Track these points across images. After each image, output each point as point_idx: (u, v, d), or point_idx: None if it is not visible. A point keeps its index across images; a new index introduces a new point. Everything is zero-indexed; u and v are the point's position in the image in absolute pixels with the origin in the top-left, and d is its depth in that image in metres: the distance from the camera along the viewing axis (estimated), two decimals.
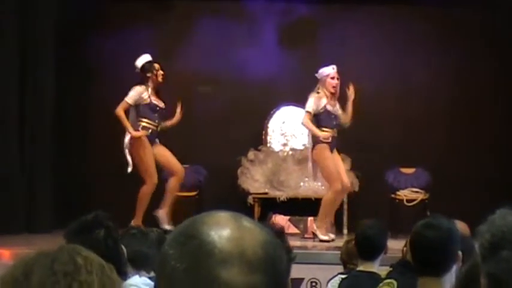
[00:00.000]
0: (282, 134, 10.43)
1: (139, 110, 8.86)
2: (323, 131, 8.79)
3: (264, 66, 10.48)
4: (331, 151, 8.85)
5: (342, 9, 10.60)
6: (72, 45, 10.40)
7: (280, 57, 10.49)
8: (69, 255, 1.46)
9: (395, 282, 3.94)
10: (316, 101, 8.79)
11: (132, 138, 8.76)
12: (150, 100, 8.84)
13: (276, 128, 10.45)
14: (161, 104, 8.93)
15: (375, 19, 10.53)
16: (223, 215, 1.29)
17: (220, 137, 10.25)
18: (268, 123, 10.43)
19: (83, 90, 10.50)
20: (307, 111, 8.80)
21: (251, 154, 10.17)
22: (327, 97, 8.83)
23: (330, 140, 8.81)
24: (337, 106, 8.95)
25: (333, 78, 8.82)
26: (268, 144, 10.40)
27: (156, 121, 8.91)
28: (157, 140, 9.00)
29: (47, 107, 9.97)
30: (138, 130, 8.82)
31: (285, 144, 10.38)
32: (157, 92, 8.95)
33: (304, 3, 10.61)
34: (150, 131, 8.86)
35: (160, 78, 8.87)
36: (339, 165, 8.92)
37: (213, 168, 9.94)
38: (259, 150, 10.26)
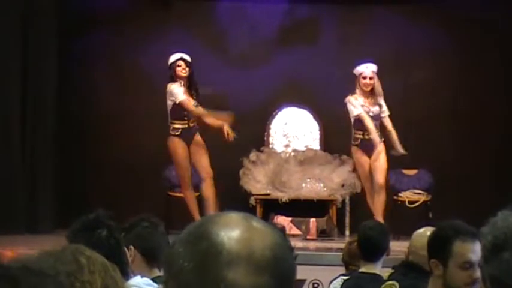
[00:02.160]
0: (284, 135, 10.42)
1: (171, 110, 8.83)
2: (356, 133, 8.78)
3: (266, 67, 10.48)
4: (367, 153, 8.79)
5: (343, 9, 10.59)
6: (74, 42, 10.40)
7: (283, 57, 10.49)
8: (72, 255, 1.47)
9: (397, 284, 3.95)
10: (353, 103, 8.71)
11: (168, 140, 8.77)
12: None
13: (278, 129, 10.45)
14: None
15: (377, 19, 10.51)
16: (234, 216, 1.29)
17: (222, 138, 10.24)
18: (270, 124, 10.43)
19: (85, 88, 10.50)
20: (356, 116, 8.70)
21: (253, 155, 10.16)
22: (363, 96, 8.76)
23: (358, 142, 8.79)
24: (379, 104, 8.81)
25: (364, 77, 8.75)
26: (270, 146, 10.39)
27: (185, 118, 8.82)
28: (196, 137, 8.91)
29: (48, 107, 9.97)
30: (172, 132, 8.78)
31: (287, 146, 10.37)
32: (189, 88, 8.87)
33: (305, 3, 10.61)
34: (179, 131, 8.82)
35: (182, 73, 8.77)
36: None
37: (214, 169, 9.92)
38: (261, 151, 10.25)
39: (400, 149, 8.72)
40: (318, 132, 10.21)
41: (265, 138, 10.41)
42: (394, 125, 10.10)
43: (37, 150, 9.88)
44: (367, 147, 8.75)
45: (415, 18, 10.48)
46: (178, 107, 8.74)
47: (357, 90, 8.76)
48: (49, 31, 9.96)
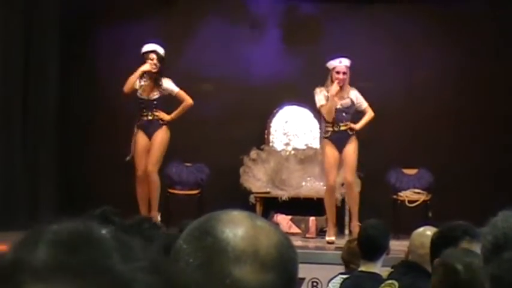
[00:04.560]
0: (285, 134, 10.43)
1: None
2: (327, 126, 8.81)
3: (267, 65, 10.49)
4: (337, 146, 8.81)
5: (345, 7, 10.60)
6: (76, 39, 10.41)
7: (284, 56, 10.50)
8: None
9: (396, 283, 3.95)
10: (319, 95, 8.73)
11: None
12: (139, 92, 8.86)
13: (279, 128, 10.45)
14: (150, 96, 8.86)
15: (379, 17, 10.52)
16: (239, 214, 1.31)
17: (223, 135, 10.25)
18: (270, 122, 10.43)
19: (87, 85, 10.51)
20: (320, 106, 8.74)
21: (253, 153, 10.17)
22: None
23: (329, 134, 8.82)
24: (348, 99, 8.82)
25: (338, 72, 8.74)
26: (271, 144, 10.40)
27: (144, 111, 8.88)
28: (159, 130, 8.93)
29: (50, 103, 9.98)
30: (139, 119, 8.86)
31: (287, 144, 10.38)
32: (157, 83, 8.88)
33: (308, 1, 10.61)
34: (138, 122, 8.89)
35: (150, 67, 8.81)
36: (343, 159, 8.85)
37: (215, 167, 9.93)
38: (262, 150, 10.26)
39: (356, 125, 8.75)
40: (318, 131, 10.21)
41: (266, 137, 10.41)
42: (395, 124, 10.13)
43: (38, 147, 9.88)
44: (338, 140, 8.77)
45: (417, 16, 10.48)
46: (138, 99, 8.87)
47: (328, 83, 8.74)
48: (51, 30, 9.96)
